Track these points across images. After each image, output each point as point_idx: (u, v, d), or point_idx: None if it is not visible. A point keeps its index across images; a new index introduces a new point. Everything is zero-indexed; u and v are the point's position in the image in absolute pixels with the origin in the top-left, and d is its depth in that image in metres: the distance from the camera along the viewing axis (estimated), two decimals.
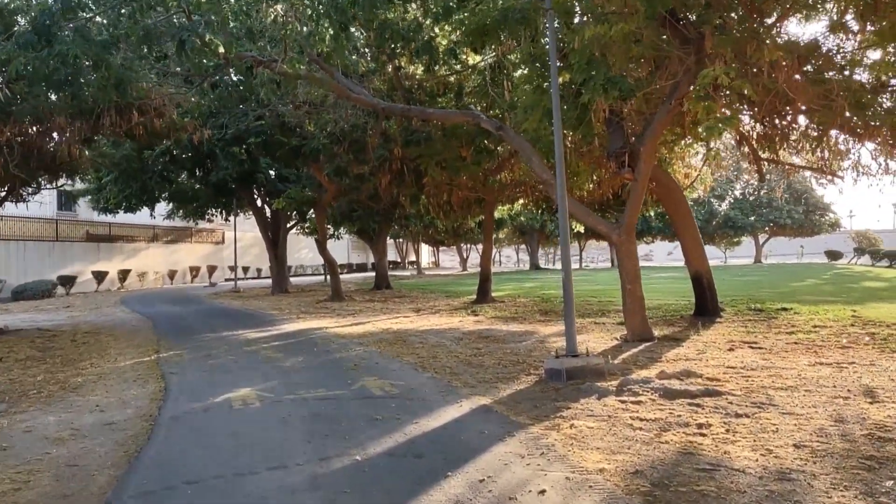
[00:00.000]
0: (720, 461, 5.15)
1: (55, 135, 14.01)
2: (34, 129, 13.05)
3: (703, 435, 5.86)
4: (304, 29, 13.34)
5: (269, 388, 8.51)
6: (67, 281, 34.88)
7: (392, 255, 69.37)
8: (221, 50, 12.66)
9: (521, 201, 26.10)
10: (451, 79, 18.69)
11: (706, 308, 14.99)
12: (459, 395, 7.76)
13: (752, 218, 60.11)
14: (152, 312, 21.81)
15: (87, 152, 15.69)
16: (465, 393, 7.91)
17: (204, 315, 20.52)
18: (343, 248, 63.02)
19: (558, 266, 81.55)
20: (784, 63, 10.52)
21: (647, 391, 7.49)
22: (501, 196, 22.87)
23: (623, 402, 7.16)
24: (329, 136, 18.99)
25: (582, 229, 31.38)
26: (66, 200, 40.79)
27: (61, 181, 17.01)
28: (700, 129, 11.18)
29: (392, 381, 8.68)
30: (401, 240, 68.51)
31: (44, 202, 29.66)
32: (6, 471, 5.46)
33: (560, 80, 11.30)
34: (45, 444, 6.28)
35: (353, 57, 16.86)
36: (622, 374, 8.67)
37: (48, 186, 17.11)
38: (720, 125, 9.99)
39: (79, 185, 30.78)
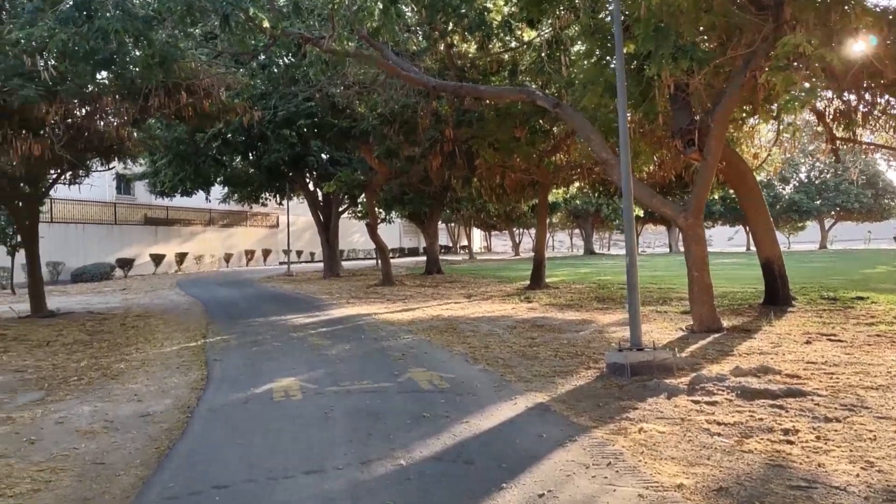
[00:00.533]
0: (815, 476, 4.48)
1: (104, 116, 13.82)
2: (81, 109, 12.84)
3: (790, 442, 5.19)
4: (354, 7, 12.86)
5: (313, 379, 8.08)
6: (125, 263, 35.38)
7: (444, 239, 69.00)
8: (266, 25, 12.25)
9: (576, 184, 25.28)
10: (506, 56, 18.01)
11: (777, 297, 14.09)
12: (514, 391, 7.18)
13: (818, 202, 57.79)
14: (205, 296, 21.79)
15: (136, 134, 15.50)
16: (519, 388, 7.33)
17: (255, 299, 20.37)
18: (395, 231, 62.83)
19: (613, 251, 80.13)
20: (872, 30, 9.59)
21: (723, 390, 6.80)
22: (556, 179, 22.11)
23: (696, 402, 6.50)
24: (379, 117, 18.50)
25: (642, 213, 30.39)
26: (125, 184, 41.40)
27: (113, 164, 16.79)
28: (778, 103, 10.32)
29: (441, 374, 8.15)
30: (452, 224, 68.01)
31: (97, 185, 29.95)
32: (28, 469, 5.12)
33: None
34: (74, 438, 5.95)
35: (405, 34, 16.31)
36: (691, 369, 7.99)
37: (100, 169, 17.00)
38: (800, 99, 9.16)
39: (136, 169, 31.14)
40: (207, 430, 6.10)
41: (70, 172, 16.81)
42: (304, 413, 6.51)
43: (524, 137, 18.35)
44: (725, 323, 11.54)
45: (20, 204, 15.32)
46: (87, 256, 33.58)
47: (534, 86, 16.82)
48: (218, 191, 35.70)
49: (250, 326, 13.53)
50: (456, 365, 8.80)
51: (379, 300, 18.91)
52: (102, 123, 13.69)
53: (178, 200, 34.59)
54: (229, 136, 21.54)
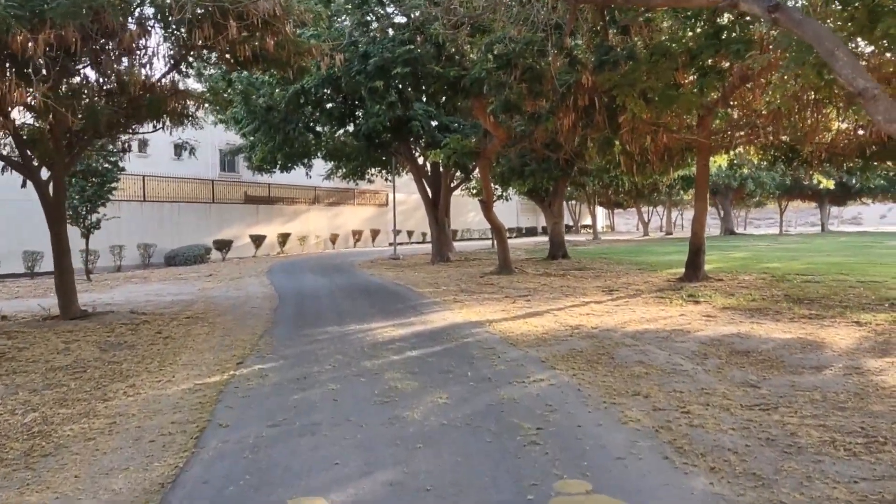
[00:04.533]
0: None
1: (127, 54, 10.32)
2: (77, 41, 9.24)
3: None
4: None
5: (365, 502, 4.05)
6: (223, 245, 32.86)
7: (565, 217, 64.02)
8: None
9: (739, 149, 20.15)
10: None
11: None
12: None
13: None
14: (288, 286, 18.36)
15: (174, 82, 11.97)
16: None
17: (343, 293, 16.64)
18: (511, 210, 58.22)
19: (752, 231, 72.48)
20: None
21: None
22: (723, 141, 17.20)
23: None
24: (495, 60, 14.21)
25: (832, 184, 24.81)
26: (229, 159, 39.21)
27: (166, 126, 13.17)
28: None
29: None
30: (574, 201, 62.85)
31: (198, 161, 27.32)
32: None
33: None
34: None
35: None
36: None
37: (144, 132, 13.39)
38: None
39: (239, 141, 28.66)
40: None
41: (110, 137, 13.53)
42: None
43: (687, 84, 13.76)
44: None
45: (41, 172, 12.11)
46: (182, 238, 31.24)
47: None
48: (321, 167, 32.88)
49: (315, 342, 9.68)
50: (647, 467, 4.49)
51: (495, 296, 14.77)
52: (121, 64, 10.19)
53: (281, 178, 31.93)
54: (312, 90, 17.77)
